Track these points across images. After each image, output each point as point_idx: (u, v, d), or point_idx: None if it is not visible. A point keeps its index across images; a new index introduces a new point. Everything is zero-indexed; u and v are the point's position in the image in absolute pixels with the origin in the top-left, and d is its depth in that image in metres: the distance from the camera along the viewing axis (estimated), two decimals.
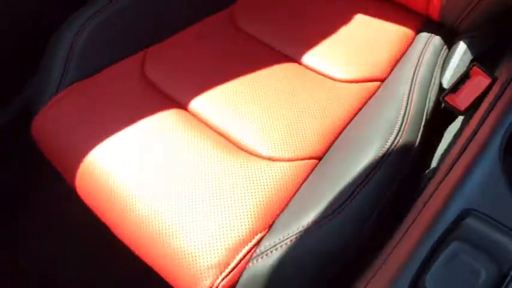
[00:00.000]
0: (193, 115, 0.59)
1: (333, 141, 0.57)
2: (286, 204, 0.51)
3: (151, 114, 0.59)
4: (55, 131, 0.61)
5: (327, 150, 0.56)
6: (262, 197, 0.50)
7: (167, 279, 0.50)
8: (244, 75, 0.64)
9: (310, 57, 0.66)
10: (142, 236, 0.51)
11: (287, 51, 0.68)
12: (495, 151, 0.29)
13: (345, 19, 0.69)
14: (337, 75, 0.64)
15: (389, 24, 0.68)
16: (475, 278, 0.26)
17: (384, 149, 0.48)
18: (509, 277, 0.26)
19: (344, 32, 0.68)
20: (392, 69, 0.65)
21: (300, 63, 0.67)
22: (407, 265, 0.28)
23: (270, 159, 0.54)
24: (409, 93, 0.56)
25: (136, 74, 0.65)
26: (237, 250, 0.47)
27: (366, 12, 0.69)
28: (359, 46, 0.66)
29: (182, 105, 0.61)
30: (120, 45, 0.65)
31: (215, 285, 0.46)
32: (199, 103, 0.60)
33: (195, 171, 0.52)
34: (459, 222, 0.28)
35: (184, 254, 0.48)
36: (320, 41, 0.68)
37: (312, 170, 0.54)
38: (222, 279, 0.46)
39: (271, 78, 0.64)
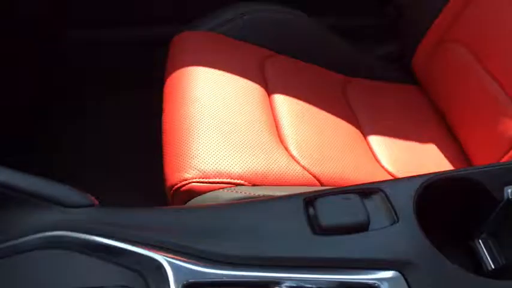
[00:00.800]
0: (270, 100, 0.74)
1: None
2: (275, 185, 0.60)
3: (247, 79, 0.75)
4: (183, 47, 0.81)
5: (331, 185, 0.65)
6: (264, 169, 0.61)
7: (165, 163, 0.62)
8: (323, 110, 0.77)
9: (375, 140, 0.77)
10: (176, 126, 0.65)
11: (364, 127, 0.80)
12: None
13: (422, 137, 0.79)
14: (384, 162, 0.74)
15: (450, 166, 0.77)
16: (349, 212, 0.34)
17: None
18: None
19: (413, 144, 0.79)
20: None
21: (365, 137, 0.78)
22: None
23: (291, 156, 0.65)
24: None
25: (257, 60, 0.82)
26: (221, 176, 0.58)
27: (440, 144, 0.79)
28: (412, 160, 0.76)
29: (269, 91, 0.76)
30: (261, 36, 0.85)
31: (188, 181, 0.57)
32: (279, 99, 0.75)
33: (239, 120, 0.66)
34: None
35: (189, 152, 0.60)
36: (390, 136, 0.79)
37: (309, 185, 0.63)
38: (196, 182, 0.57)
39: (340, 127, 0.76)
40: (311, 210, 0.35)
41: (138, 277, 0.30)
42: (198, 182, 0.57)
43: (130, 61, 1.03)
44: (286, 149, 0.67)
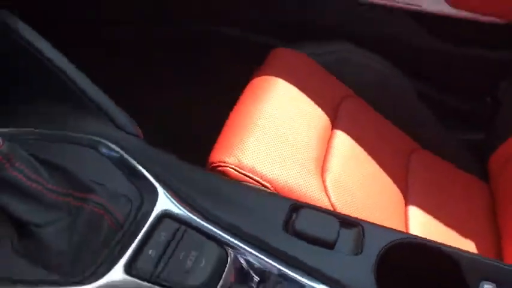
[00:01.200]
0: (331, 133, 0.79)
1: None
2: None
3: (319, 107, 0.80)
4: (275, 60, 0.88)
5: None
6: (293, 185, 0.66)
7: (215, 144, 0.70)
8: (377, 164, 0.79)
9: (414, 212, 0.77)
10: (237, 120, 0.73)
11: (410, 196, 0.80)
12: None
13: (464, 230, 0.77)
14: (415, 232, 0.74)
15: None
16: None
17: None
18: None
19: (452, 232, 0.77)
20: None
21: (406, 206, 0.78)
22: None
23: (324, 187, 0.69)
24: None
25: (336, 94, 0.87)
26: (254, 172, 0.64)
27: (479, 245, 0.76)
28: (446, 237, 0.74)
29: (334, 125, 0.80)
30: (350, 76, 0.89)
31: (226, 164, 0.64)
32: (340, 135, 0.79)
33: (294, 136, 0.72)
34: None
35: (238, 143, 0.67)
36: (432, 215, 0.78)
37: None
38: (231, 168, 0.64)
39: (385, 186, 0.78)
40: (294, 215, 0.39)
41: (138, 194, 0.37)
42: (233, 168, 0.64)
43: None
44: (323, 180, 0.70)
